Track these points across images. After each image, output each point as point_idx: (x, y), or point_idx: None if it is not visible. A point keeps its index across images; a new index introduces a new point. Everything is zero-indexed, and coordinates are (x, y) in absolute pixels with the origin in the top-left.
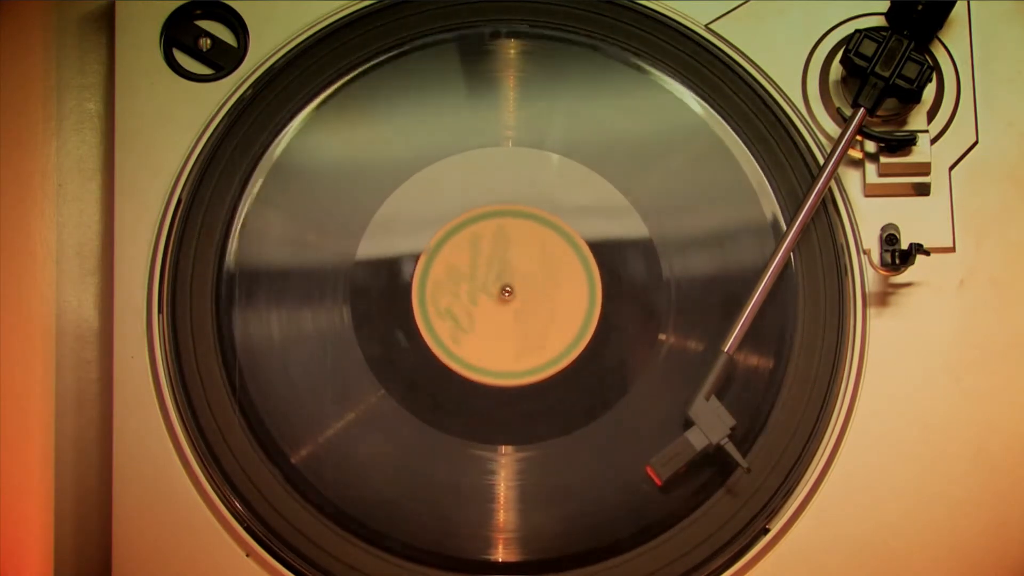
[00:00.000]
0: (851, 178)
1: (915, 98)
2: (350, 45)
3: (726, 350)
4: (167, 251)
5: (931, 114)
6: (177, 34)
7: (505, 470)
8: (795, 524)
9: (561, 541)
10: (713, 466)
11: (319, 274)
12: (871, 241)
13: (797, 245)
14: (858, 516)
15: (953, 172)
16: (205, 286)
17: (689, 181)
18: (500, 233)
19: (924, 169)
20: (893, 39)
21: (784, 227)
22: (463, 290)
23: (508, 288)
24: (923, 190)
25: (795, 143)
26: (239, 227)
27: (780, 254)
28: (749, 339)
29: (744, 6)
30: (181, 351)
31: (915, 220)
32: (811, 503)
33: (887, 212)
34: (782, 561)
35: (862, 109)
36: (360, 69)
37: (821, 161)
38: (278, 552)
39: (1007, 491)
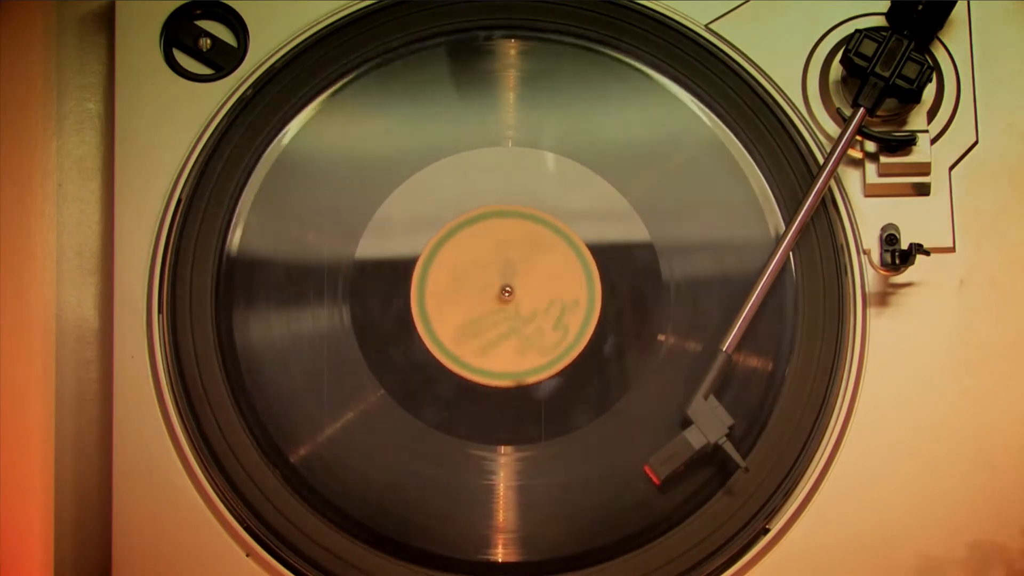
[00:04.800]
0: (851, 178)
1: (915, 98)
2: (350, 45)
3: (725, 349)
4: (167, 251)
5: (931, 114)
6: (177, 34)
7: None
8: (795, 524)
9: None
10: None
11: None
12: (871, 241)
13: (797, 245)
14: (858, 516)
15: (953, 172)
16: (205, 286)
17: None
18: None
19: (924, 169)
20: (893, 39)
21: (784, 227)
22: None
23: (508, 288)
24: (923, 190)
25: (795, 143)
26: (239, 227)
27: (779, 254)
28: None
29: (744, 6)
30: (181, 351)
31: (915, 220)
32: (811, 503)
33: (887, 212)
34: (782, 561)
35: (862, 109)
36: (360, 69)
37: (821, 161)
38: (278, 552)
39: (1007, 491)
